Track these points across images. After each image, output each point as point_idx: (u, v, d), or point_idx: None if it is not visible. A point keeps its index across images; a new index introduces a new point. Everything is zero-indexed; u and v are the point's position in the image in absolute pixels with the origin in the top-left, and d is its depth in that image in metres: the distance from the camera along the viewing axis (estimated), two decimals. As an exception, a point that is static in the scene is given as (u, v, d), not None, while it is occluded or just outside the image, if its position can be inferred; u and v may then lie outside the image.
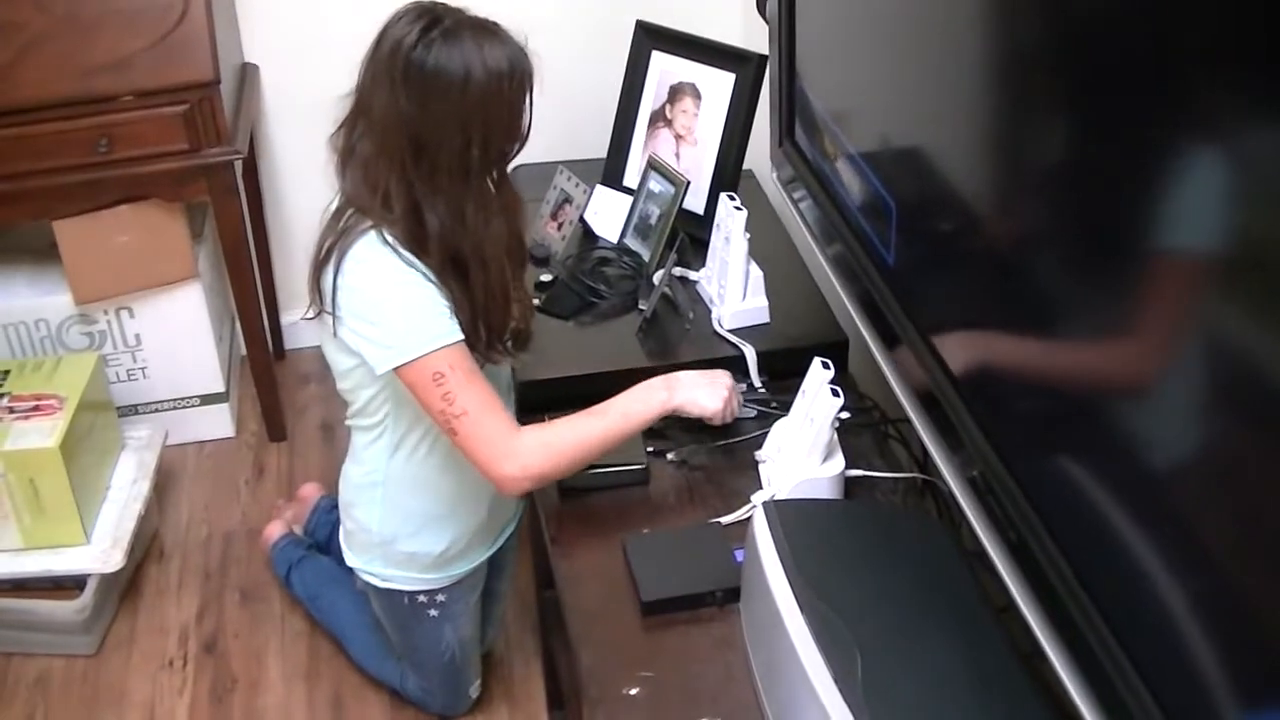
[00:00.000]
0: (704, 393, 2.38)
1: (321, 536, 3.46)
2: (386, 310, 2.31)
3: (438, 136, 2.27)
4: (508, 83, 2.25)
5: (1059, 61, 1.59)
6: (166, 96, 3.45)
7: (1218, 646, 1.35)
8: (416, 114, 2.26)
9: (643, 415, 2.36)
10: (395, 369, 2.32)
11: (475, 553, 2.76)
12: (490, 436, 2.32)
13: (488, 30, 2.28)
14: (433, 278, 2.31)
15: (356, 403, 2.54)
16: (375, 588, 2.77)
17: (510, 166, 2.41)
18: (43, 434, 3.27)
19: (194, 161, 3.53)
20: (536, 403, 2.56)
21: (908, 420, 2.09)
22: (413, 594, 2.76)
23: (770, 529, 1.95)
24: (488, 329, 2.37)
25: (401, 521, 2.66)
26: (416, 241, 2.31)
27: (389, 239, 2.30)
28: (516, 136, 2.32)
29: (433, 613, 2.79)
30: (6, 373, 3.46)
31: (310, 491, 3.59)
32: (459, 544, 2.69)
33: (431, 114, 2.26)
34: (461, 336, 2.32)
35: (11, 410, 3.33)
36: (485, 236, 2.33)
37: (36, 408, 3.35)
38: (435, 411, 2.33)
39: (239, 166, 3.67)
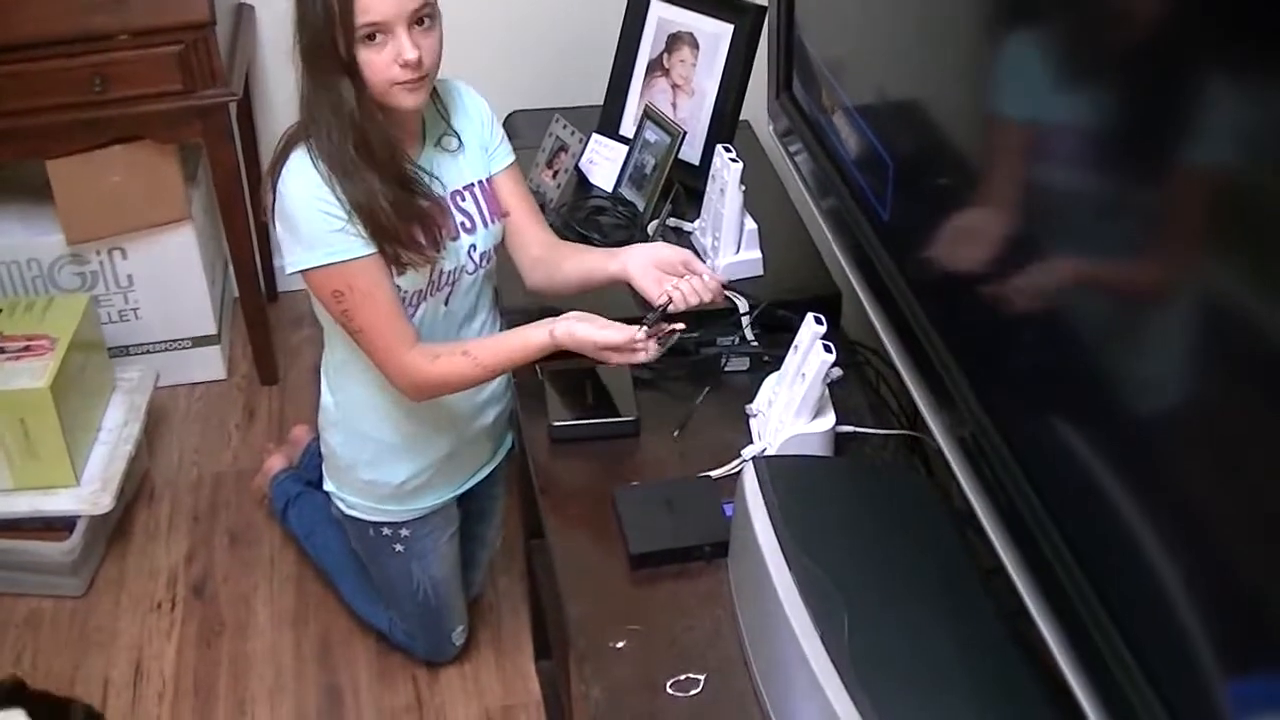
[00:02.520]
0: (590, 353, 2.36)
1: (314, 476, 3.46)
2: (294, 221, 2.37)
3: (298, 38, 2.32)
4: None
5: (1058, 15, 1.58)
6: (162, 36, 3.43)
7: (1204, 614, 1.35)
8: (294, 15, 2.32)
9: (525, 356, 2.42)
10: (299, 273, 2.41)
11: (438, 490, 2.77)
12: (382, 356, 2.45)
13: None
14: (338, 190, 2.34)
15: (322, 322, 2.59)
16: (344, 514, 2.80)
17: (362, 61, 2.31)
18: (33, 374, 3.26)
19: (188, 103, 3.51)
20: (529, 364, 2.56)
21: (899, 375, 2.08)
22: (376, 525, 2.79)
23: (760, 485, 1.95)
24: (380, 233, 2.36)
25: (360, 447, 2.70)
26: (318, 148, 2.36)
27: (312, 149, 2.36)
28: (340, 42, 2.26)
29: (398, 547, 2.81)
30: (-2, 312, 3.46)
31: (301, 434, 3.59)
32: (418, 478, 2.71)
33: (295, 13, 2.31)
34: (361, 254, 2.36)
35: (2, 350, 3.33)
36: (337, 135, 2.32)
37: (27, 348, 3.35)
38: (339, 325, 2.45)
39: (234, 108, 3.65)
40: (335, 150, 2.32)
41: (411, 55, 2.27)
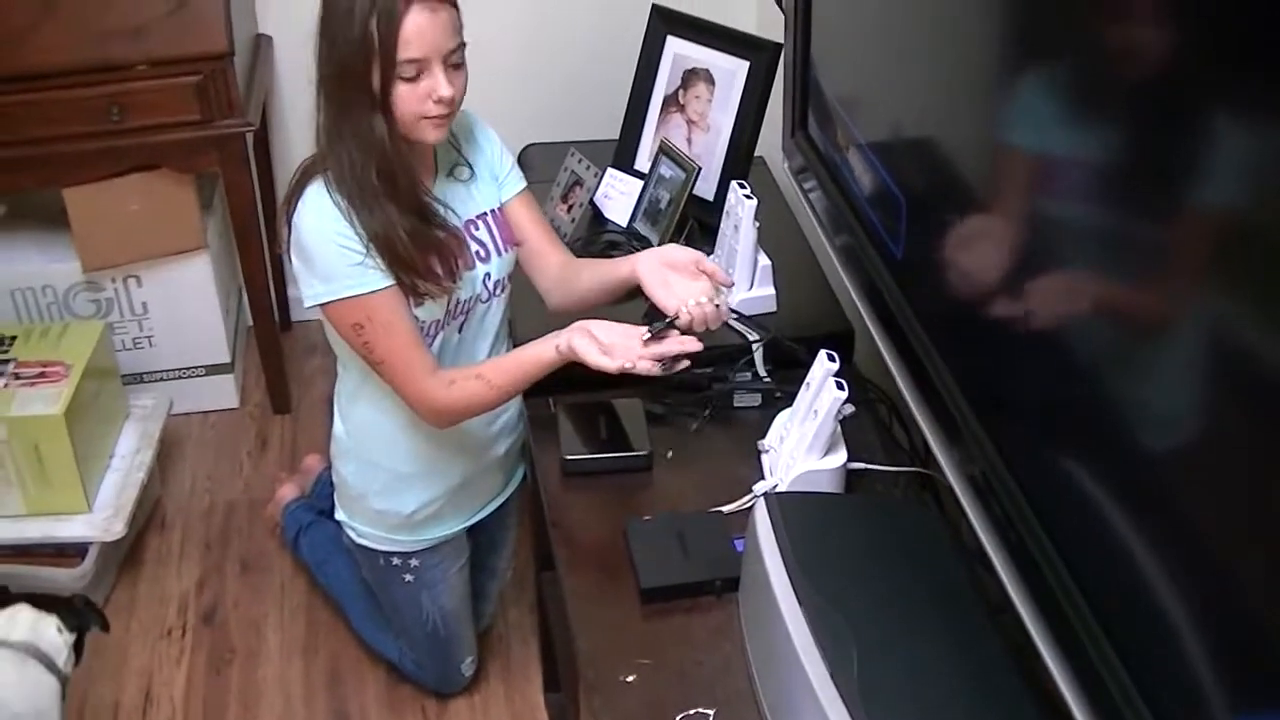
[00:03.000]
0: (592, 361, 2.34)
1: (326, 505, 3.46)
2: (311, 254, 2.39)
3: (322, 69, 2.34)
4: (363, 23, 2.23)
5: (1073, 60, 1.60)
6: (180, 66, 3.45)
7: (1212, 653, 1.36)
8: (317, 47, 2.34)
9: (538, 372, 2.43)
10: (318, 306, 2.43)
11: (449, 520, 2.77)
12: (403, 386, 2.46)
13: None
14: (356, 224, 2.36)
15: (336, 351, 2.60)
16: (355, 543, 2.81)
17: (394, 98, 2.33)
18: (48, 401, 3.27)
19: (205, 132, 3.53)
20: (539, 386, 2.56)
21: (911, 412, 2.09)
22: (387, 555, 2.79)
23: (771, 521, 1.96)
24: (398, 265, 2.38)
25: (371, 477, 2.71)
26: (335, 181, 2.37)
27: (329, 182, 2.37)
28: (375, 76, 2.28)
29: (408, 577, 2.81)
30: (13, 338, 3.46)
31: (314, 463, 3.60)
32: (429, 508, 2.72)
33: (320, 46, 2.33)
34: (379, 286, 2.38)
35: (17, 376, 3.34)
36: (360, 169, 2.34)
37: (42, 374, 3.36)
38: (360, 356, 2.47)
39: (250, 138, 3.67)
40: (356, 181, 2.34)
41: (447, 93, 2.30)
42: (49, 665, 2.62)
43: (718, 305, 2.38)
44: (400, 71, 2.27)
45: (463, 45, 2.33)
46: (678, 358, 2.30)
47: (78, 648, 2.74)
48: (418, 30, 2.25)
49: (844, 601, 1.84)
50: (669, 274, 2.42)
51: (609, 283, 2.55)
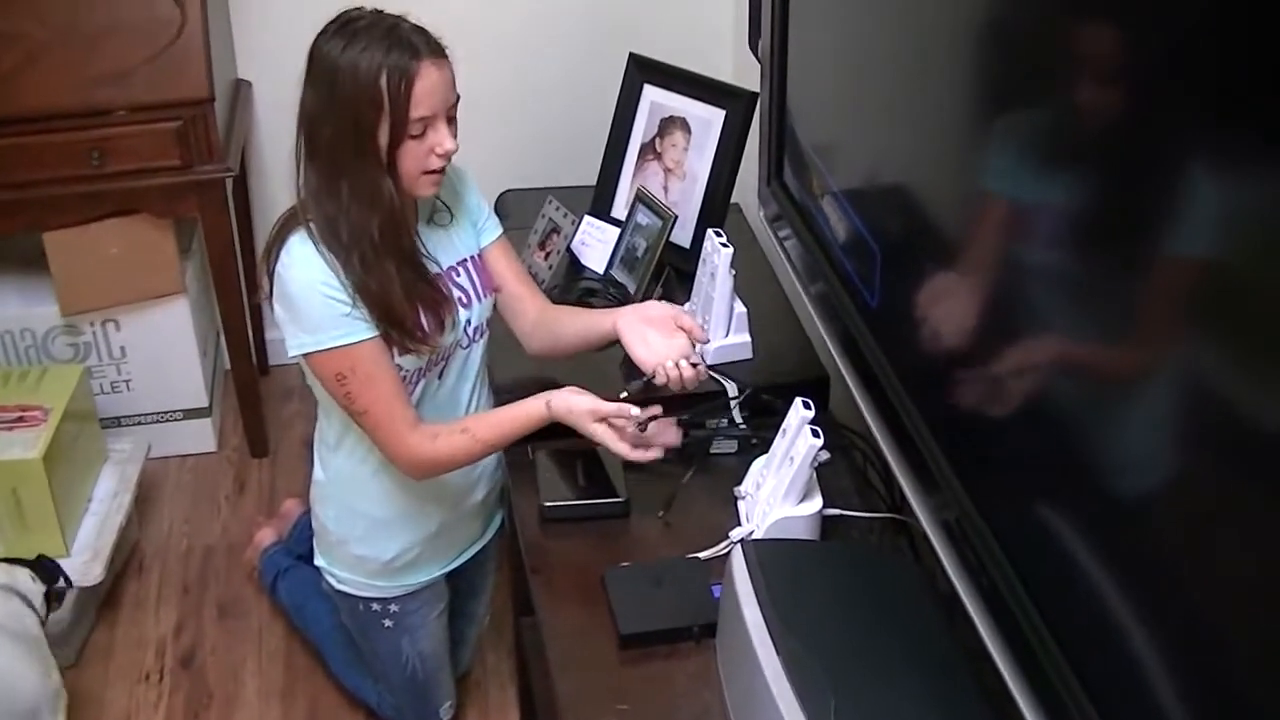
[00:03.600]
0: (583, 424, 2.40)
1: (304, 550, 3.47)
2: (296, 304, 2.39)
3: (319, 125, 2.35)
4: (374, 81, 2.26)
5: (1045, 113, 1.62)
6: (161, 112, 3.47)
7: (1183, 697, 1.38)
8: (308, 101, 2.36)
9: (526, 429, 2.47)
10: (300, 357, 2.44)
11: (428, 567, 2.78)
12: (385, 438, 2.47)
13: (387, 30, 2.30)
14: (342, 275, 2.37)
15: (318, 397, 2.60)
16: (335, 589, 2.81)
17: (400, 158, 2.37)
18: (26, 445, 3.28)
19: (185, 177, 3.55)
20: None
21: (886, 459, 2.12)
22: (366, 600, 2.80)
23: (748, 569, 1.98)
24: (390, 321, 2.40)
25: (351, 523, 2.72)
26: (320, 233, 2.38)
27: (314, 234, 2.38)
28: (384, 133, 2.31)
29: (387, 623, 2.82)
30: (-8, 382, 3.48)
31: (292, 507, 3.61)
32: (408, 554, 2.73)
33: (315, 101, 2.34)
34: (364, 337, 2.39)
35: (-4, 420, 3.35)
36: (362, 226, 2.36)
37: (20, 418, 3.36)
38: (341, 407, 2.47)
39: (229, 183, 3.69)
40: (353, 238, 2.36)
41: (452, 146, 2.35)
42: (27, 603, 2.95)
43: (695, 365, 2.44)
44: (410, 129, 2.30)
45: (458, 96, 2.37)
46: (652, 417, 2.40)
47: (48, 600, 3.06)
48: (430, 88, 2.29)
49: (821, 649, 1.86)
50: (648, 330, 2.47)
51: (590, 336, 2.61)
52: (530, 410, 2.43)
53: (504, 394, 2.67)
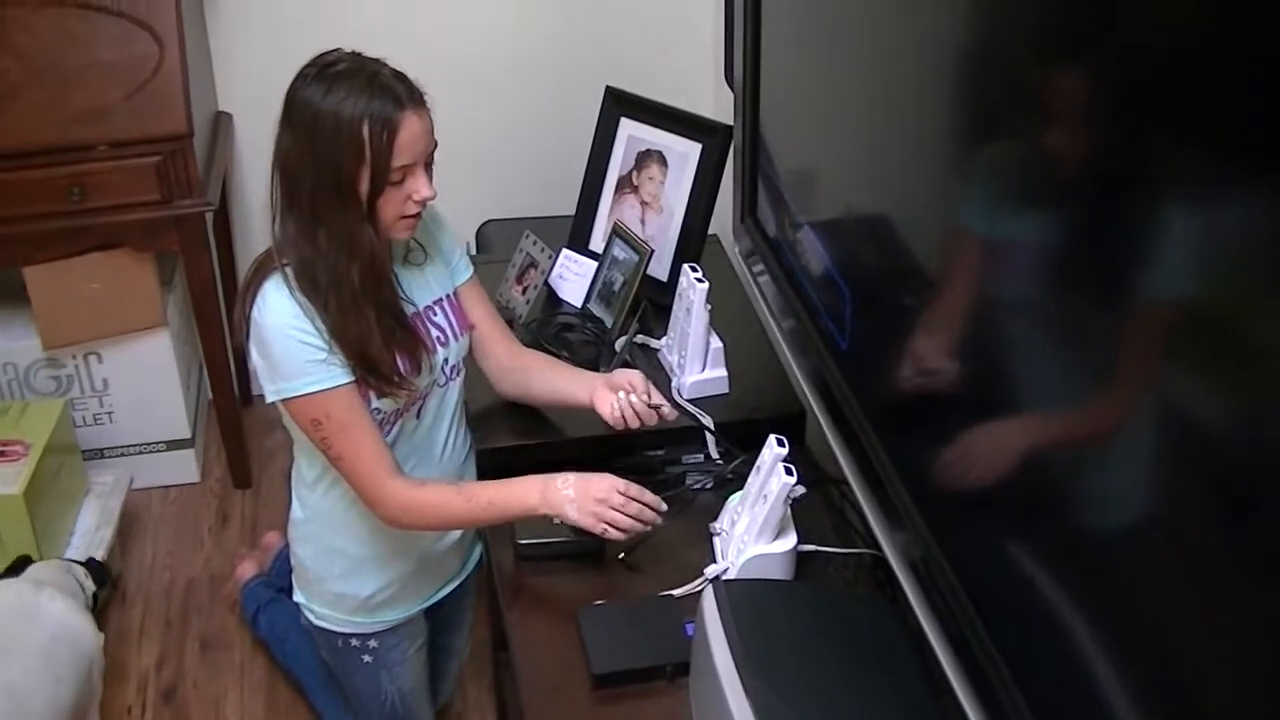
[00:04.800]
0: (573, 508, 2.38)
1: (285, 583, 3.47)
2: (271, 349, 2.38)
3: (298, 172, 2.33)
4: (356, 130, 2.26)
5: (1015, 153, 1.64)
6: (140, 148, 3.48)
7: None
8: (286, 147, 2.33)
9: (507, 511, 2.46)
10: (277, 403, 2.44)
11: (406, 604, 2.77)
12: (362, 483, 2.45)
13: (369, 78, 2.29)
14: (317, 321, 2.36)
15: (294, 438, 2.60)
16: (313, 625, 2.81)
17: (381, 204, 2.35)
18: (6, 481, 3.29)
19: (165, 212, 3.56)
20: (496, 469, 2.60)
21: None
22: (345, 636, 2.78)
23: (719, 609, 1.98)
24: (367, 366, 2.40)
25: (330, 561, 2.70)
26: (297, 278, 2.37)
27: (289, 279, 2.37)
28: (365, 181, 2.32)
29: (366, 658, 2.81)
30: (-27, 417, 3.49)
31: (273, 540, 3.61)
32: (386, 591, 2.72)
33: (294, 148, 2.32)
34: (340, 383, 2.38)
35: (-23, 456, 3.36)
36: (341, 273, 2.35)
37: (1, 454, 3.37)
38: (319, 450, 2.46)
39: (210, 217, 3.69)
40: (332, 284, 2.35)
41: (430, 193, 2.34)
42: (81, 586, 3.23)
43: (652, 405, 2.50)
44: (391, 178, 2.31)
45: (436, 145, 2.38)
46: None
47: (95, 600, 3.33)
48: (412, 137, 2.28)
49: (791, 691, 1.87)
50: (610, 394, 2.54)
51: (563, 399, 2.66)
52: (527, 498, 2.42)
53: (476, 423, 2.70)
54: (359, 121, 2.26)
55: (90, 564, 3.39)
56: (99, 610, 3.39)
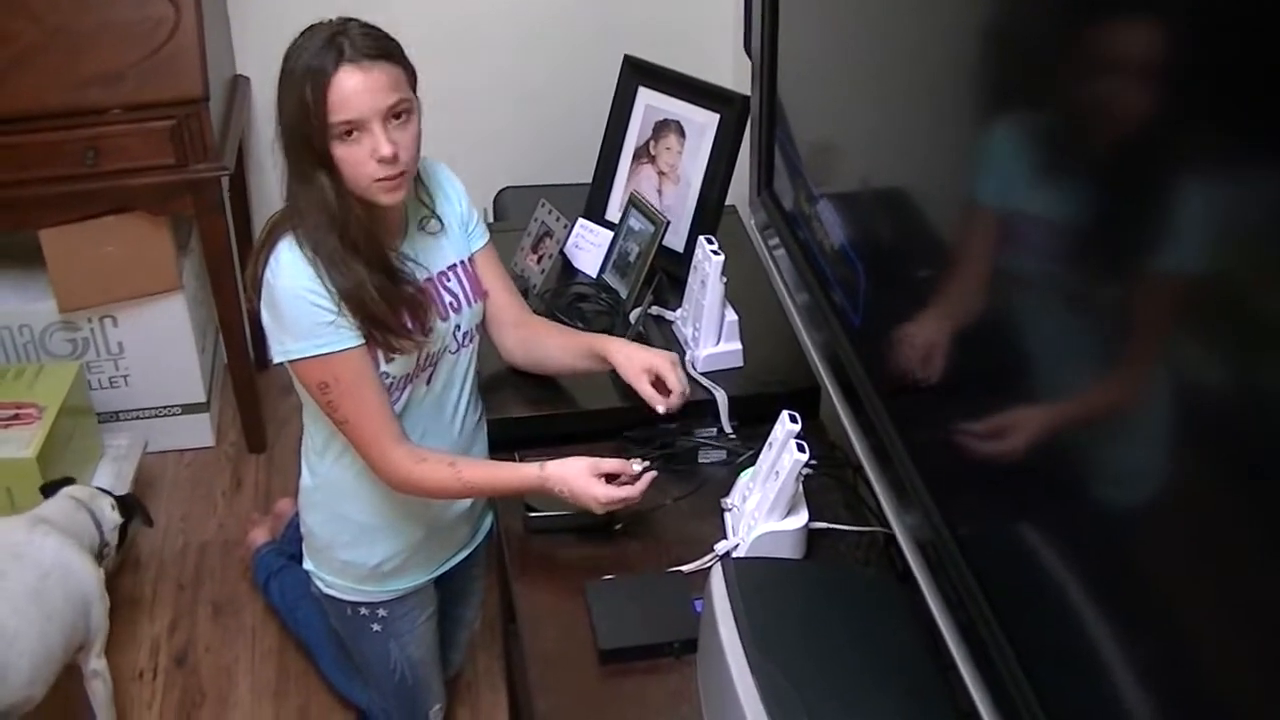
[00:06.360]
0: (579, 484, 2.38)
1: (296, 550, 3.47)
2: (281, 310, 2.38)
3: (278, 132, 2.34)
4: (300, 88, 2.24)
5: (1033, 128, 1.62)
6: (154, 111, 3.48)
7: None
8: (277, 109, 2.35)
9: (509, 487, 2.48)
10: (284, 364, 2.43)
11: (415, 573, 2.77)
12: (366, 449, 2.46)
13: (327, 37, 2.26)
14: (327, 281, 2.35)
15: (304, 403, 2.59)
16: (323, 593, 2.81)
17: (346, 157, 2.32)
18: (20, 444, 3.29)
19: (180, 176, 3.56)
20: (507, 440, 2.59)
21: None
22: (354, 605, 2.78)
23: (727, 588, 1.97)
24: (369, 318, 2.39)
25: (338, 529, 2.70)
26: (304, 238, 2.37)
27: (301, 240, 2.36)
28: (310, 132, 2.28)
29: (375, 627, 2.81)
30: (-13, 380, 3.49)
31: (285, 506, 3.61)
32: (394, 560, 2.71)
33: (276, 110, 2.33)
34: (348, 346, 2.37)
35: (-9, 419, 3.36)
36: (322, 232, 2.34)
37: (16, 416, 3.38)
38: (324, 414, 2.47)
39: (225, 182, 3.68)
40: (321, 240, 2.34)
41: (387, 151, 2.27)
42: (98, 525, 3.21)
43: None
44: (333, 133, 2.27)
45: (406, 100, 2.32)
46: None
47: (121, 535, 3.33)
48: (349, 92, 2.24)
49: (797, 670, 1.85)
50: (633, 350, 2.56)
51: (579, 364, 2.66)
52: (525, 473, 2.43)
53: (488, 393, 2.68)
54: (302, 79, 2.25)
55: (123, 498, 3.39)
56: (127, 544, 3.44)
